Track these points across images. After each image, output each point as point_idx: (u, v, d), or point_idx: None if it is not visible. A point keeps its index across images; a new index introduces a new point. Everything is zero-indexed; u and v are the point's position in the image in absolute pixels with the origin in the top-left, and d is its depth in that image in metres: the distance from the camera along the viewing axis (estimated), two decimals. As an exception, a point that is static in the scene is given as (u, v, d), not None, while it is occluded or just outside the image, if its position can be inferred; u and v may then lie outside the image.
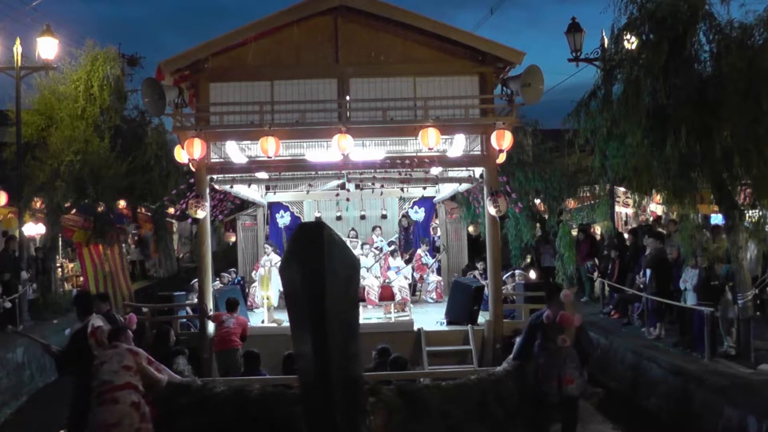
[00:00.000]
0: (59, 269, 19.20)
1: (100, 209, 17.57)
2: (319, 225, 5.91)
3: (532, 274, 17.70)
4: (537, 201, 18.48)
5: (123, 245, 19.46)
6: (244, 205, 17.29)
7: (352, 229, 16.35)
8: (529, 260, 18.71)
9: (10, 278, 14.78)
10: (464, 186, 13.32)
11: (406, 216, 16.96)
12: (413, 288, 15.32)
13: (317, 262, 5.53)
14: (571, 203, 19.09)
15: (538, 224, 18.57)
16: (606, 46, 13.73)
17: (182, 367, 8.97)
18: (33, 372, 13.24)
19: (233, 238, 19.63)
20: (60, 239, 19.16)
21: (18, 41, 16.58)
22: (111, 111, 17.74)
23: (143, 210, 24.06)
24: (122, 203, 20.24)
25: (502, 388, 8.42)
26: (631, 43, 11.11)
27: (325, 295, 5.53)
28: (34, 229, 17.88)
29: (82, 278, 18.12)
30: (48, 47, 16.80)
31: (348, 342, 5.98)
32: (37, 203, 17.40)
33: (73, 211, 17.68)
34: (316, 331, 5.63)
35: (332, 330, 5.60)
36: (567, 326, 7.98)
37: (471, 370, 9.20)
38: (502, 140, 10.81)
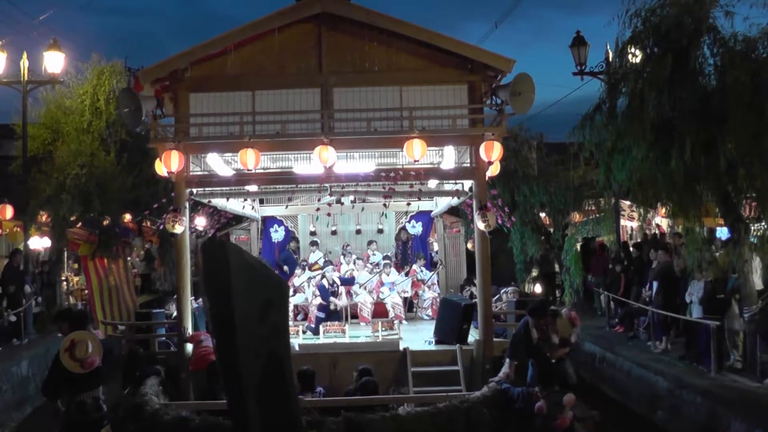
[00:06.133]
0: (64, 283, 19.26)
1: (105, 222, 17.60)
2: (220, 245, 5.36)
3: (538, 288, 17.71)
4: (542, 214, 18.50)
5: (128, 259, 19.50)
6: (239, 218, 17.19)
7: (347, 244, 16.26)
8: (535, 273, 18.71)
9: (15, 291, 14.84)
10: (456, 200, 12.99)
11: (403, 230, 16.82)
12: (409, 304, 15.10)
13: (221, 286, 5.06)
14: (576, 217, 19.10)
15: (543, 237, 18.55)
16: (610, 59, 13.79)
17: (149, 389, 8.69)
18: (38, 385, 13.24)
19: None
20: (65, 253, 19.23)
21: (25, 55, 16.78)
22: (117, 125, 17.85)
23: (149, 223, 24.07)
24: (128, 217, 20.29)
25: (476, 415, 7.97)
26: (635, 56, 11.14)
27: (233, 321, 5.04)
28: (39, 243, 17.97)
29: (87, 291, 18.17)
30: (54, 61, 16.98)
31: (272, 372, 5.50)
32: (43, 217, 17.49)
33: (79, 224, 17.74)
34: (225, 361, 5.18)
35: (246, 360, 5.13)
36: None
37: (443, 395, 8.77)
38: (491, 152, 10.46)
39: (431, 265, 16.17)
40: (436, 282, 15.52)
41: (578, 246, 17.86)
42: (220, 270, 5.06)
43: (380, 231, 16.86)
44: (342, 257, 15.59)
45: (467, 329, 11.67)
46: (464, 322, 11.59)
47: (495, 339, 10.87)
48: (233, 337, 5.05)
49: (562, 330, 8.05)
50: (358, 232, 16.89)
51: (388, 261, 15.20)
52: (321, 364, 10.20)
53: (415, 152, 10.31)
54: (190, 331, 10.95)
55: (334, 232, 16.84)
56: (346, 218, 16.56)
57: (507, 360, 8.85)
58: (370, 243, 16.30)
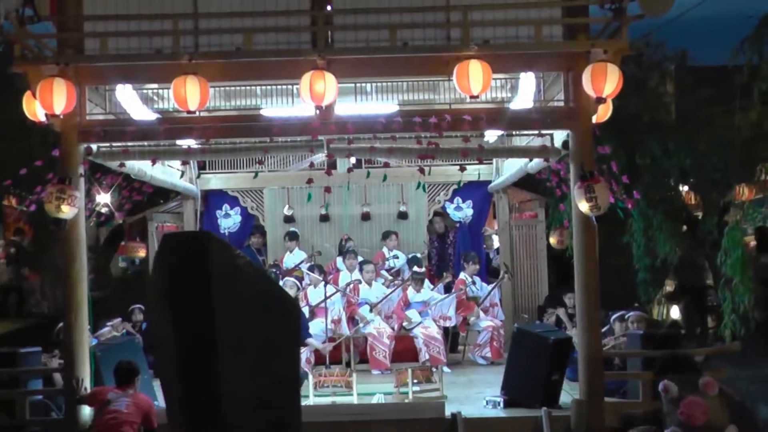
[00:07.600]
0: None
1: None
2: (197, 236, 5.86)
3: (676, 313, 17.95)
4: (684, 188, 18.82)
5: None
6: (164, 195, 17.70)
7: (348, 238, 16.47)
8: (671, 288, 18.97)
9: None
10: (536, 164, 12.83)
11: (441, 214, 17.03)
12: (453, 339, 15.27)
13: (194, 306, 5.18)
14: (744, 192, 19.21)
15: (685, 227, 18.77)
16: None
17: None
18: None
19: (142, 253, 18.95)
20: None
21: None
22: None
23: (13, 202, 24.50)
24: (-23, 194, 20.78)
25: None
26: None
27: (217, 366, 5.15)
28: None
29: None
30: None
31: None
32: None
33: None
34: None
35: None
36: None
37: None
38: (603, 82, 10.34)
39: (489, 274, 16.42)
40: (498, 301, 15.66)
41: (748, 241, 17.82)
42: (193, 280, 5.18)
43: (403, 216, 17.06)
44: (339, 259, 15.79)
45: (559, 381, 11.89)
46: (554, 370, 11.74)
47: (607, 399, 11.08)
48: (215, 391, 5.20)
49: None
50: (366, 217, 17.13)
51: (418, 266, 15.18)
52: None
53: (473, 83, 10.29)
54: (87, 385, 11.12)
55: (325, 218, 17.09)
56: (345, 194, 16.52)
57: None
58: (386, 236, 16.41)
